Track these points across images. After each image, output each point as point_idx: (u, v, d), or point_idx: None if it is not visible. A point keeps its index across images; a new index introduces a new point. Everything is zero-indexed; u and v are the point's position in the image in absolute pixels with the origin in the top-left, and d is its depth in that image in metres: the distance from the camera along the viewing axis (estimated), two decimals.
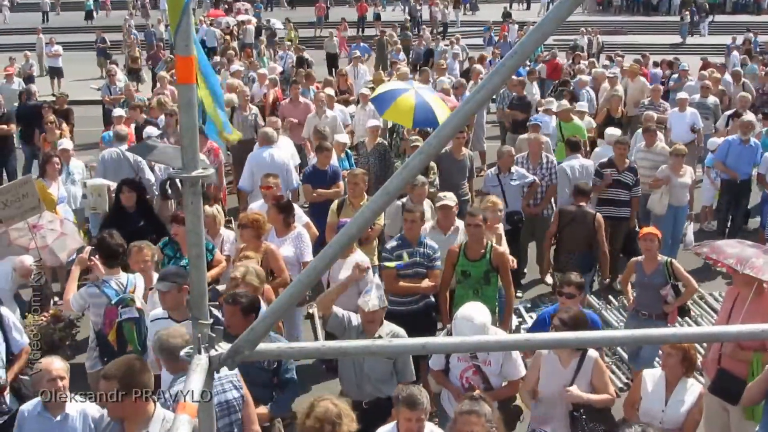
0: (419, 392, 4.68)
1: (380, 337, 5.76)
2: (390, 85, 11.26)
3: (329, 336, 7.20)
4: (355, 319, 5.99)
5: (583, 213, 8.73)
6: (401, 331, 5.93)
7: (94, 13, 39.64)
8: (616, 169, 9.81)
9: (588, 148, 12.35)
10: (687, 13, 36.52)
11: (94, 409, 4.89)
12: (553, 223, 9.03)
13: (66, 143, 10.86)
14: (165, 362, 4.97)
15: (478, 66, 17.69)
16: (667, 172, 10.17)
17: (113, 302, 6.24)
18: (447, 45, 26.33)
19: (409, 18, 36.91)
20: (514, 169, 9.61)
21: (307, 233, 7.91)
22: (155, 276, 6.45)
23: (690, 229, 10.31)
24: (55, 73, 24.66)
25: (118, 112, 12.90)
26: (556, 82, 18.18)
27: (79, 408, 4.88)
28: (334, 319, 6.01)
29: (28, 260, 7.55)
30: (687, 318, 8.38)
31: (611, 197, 9.81)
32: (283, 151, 10.59)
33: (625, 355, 8.14)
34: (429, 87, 10.78)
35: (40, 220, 8.33)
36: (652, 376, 5.52)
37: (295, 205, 9.08)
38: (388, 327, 5.88)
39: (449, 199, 7.85)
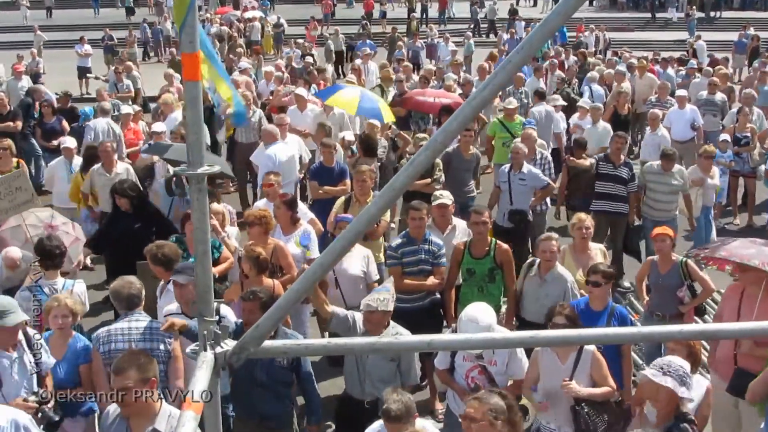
0: (402, 402, 4.63)
1: None
2: (349, 92, 11.54)
3: (332, 333, 7.23)
4: (360, 319, 5.97)
5: (582, 166, 10.27)
6: (407, 333, 5.83)
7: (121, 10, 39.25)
8: (612, 163, 9.79)
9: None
10: (693, 9, 36.45)
11: (24, 418, 4.71)
12: (564, 176, 10.49)
13: (69, 141, 10.85)
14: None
15: (485, 63, 17.66)
16: (700, 173, 10.15)
17: (44, 308, 6.09)
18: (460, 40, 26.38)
19: (416, 15, 36.82)
20: (526, 168, 9.41)
21: (313, 230, 7.91)
22: None
23: (713, 231, 10.23)
24: (84, 72, 23.96)
25: (126, 109, 12.93)
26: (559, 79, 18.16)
27: (8, 418, 4.61)
28: (335, 320, 6.00)
29: (15, 252, 7.29)
30: (706, 316, 8.30)
31: (608, 191, 9.76)
32: (290, 147, 10.63)
33: (633, 354, 8.07)
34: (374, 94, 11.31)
35: (53, 220, 8.29)
36: None
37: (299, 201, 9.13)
38: (393, 329, 5.83)
39: (445, 197, 7.80)
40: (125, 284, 5.76)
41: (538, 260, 6.96)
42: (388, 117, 10.73)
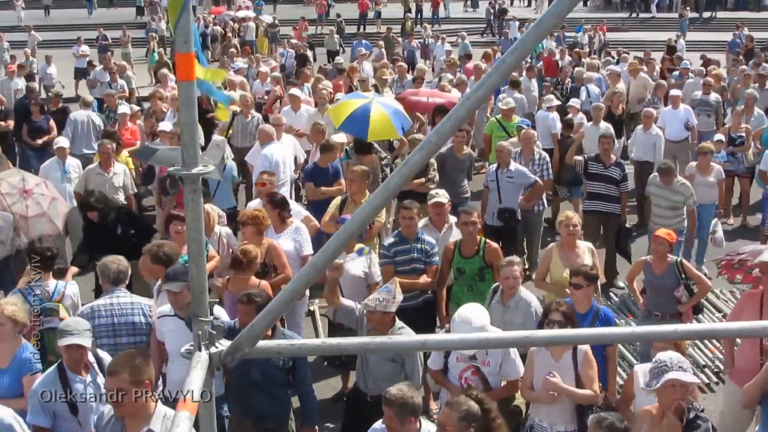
0: (402, 393, 4.63)
1: None
2: (349, 104, 10.72)
3: (331, 333, 7.24)
4: None
5: (572, 141, 11.39)
6: (411, 333, 5.83)
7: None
8: (602, 163, 9.79)
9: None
10: (687, 10, 36.52)
11: (9, 416, 4.76)
12: (556, 151, 11.68)
13: (63, 141, 10.83)
14: None
15: (481, 63, 17.68)
16: (693, 169, 10.17)
17: (35, 310, 6.12)
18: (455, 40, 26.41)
19: (411, 14, 36.72)
20: (514, 166, 9.49)
21: (305, 227, 7.92)
22: None
23: (719, 227, 10.19)
24: (81, 74, 23.11)
25: (122, 109, 12.89)
26: (553, 79, 18.16)
27: None
28: (342, 311, 6.07)
29: None
30: (700, 315, 8.27)
31: (600, 191, 9.77)
32: (286, 147, 10.64)
33: (627, 353, 8.09)
34: (379, 95, 11.11)
35: (26, 184, 8.25)
36: (645, 372, 5.45)
37: (292, 201, 9.12)
38: (399, 331, 5.79)
39: (441, 196, 7.81)
40: (114, 260, 6.09)
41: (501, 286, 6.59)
42: (378, 135, 10.48)
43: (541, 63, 19.75)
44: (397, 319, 5.83)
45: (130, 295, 6.05)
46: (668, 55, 22.01)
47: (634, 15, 39.53)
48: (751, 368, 6.05)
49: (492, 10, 37.22)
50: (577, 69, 17.30)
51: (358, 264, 7.10)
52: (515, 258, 6.71)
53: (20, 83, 17.19)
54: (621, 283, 9.85)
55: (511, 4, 41.22)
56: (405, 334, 5.73)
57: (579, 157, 10.43)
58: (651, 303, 7.46)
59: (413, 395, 4.70)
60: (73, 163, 10.54)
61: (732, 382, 6.38)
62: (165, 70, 16.65)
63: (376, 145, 10.87)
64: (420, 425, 4.76)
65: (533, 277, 9.52)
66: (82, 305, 6.29)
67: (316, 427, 6.00)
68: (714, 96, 14.49)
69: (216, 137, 11.10)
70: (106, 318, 5.83)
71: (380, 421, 4.85)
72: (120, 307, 5.89)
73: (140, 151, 9.80)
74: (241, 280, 6.60)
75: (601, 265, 8.63)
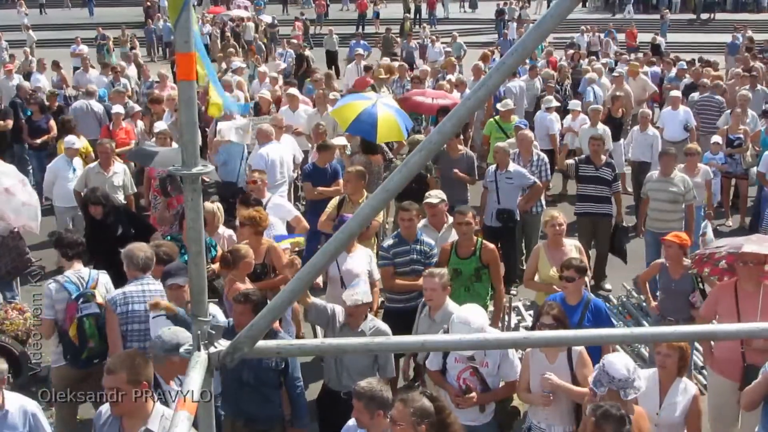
0: (371, 386, 4.71)
1: (362, 331, 5.86)
2: (354, 106, 10.65)
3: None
4: (340, 312, 6.05)
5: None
6: (385, 326, 6.03)
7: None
8: (593, 165, 9.77)
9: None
10: (666, 11, 36.54)
11: (33, 405, 4.97)
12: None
13: (75, 141, 10.79)
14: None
15: (479, 63, 17.69)
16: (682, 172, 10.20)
17: (73, 297, 6.22)
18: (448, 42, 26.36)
19: (410, 15, 36.67)
20: (513, 167, 9.49)
21: (279, 222, 7.95)
22: None
23: (709, 228, 10.16)
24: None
25: (117, 109, 12.87)
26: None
27: (18, 404, 4.90)
28: (315, 311, 6.12)
29: None
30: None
31: (590, 193, 9.74)
32: (284, 147, 10.65)
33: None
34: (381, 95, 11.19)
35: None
36: (645, 377, 5.43)
37: (284, 200, 9.15)
38: (371, 322, 5.96)
39: (433, 196, 7.83)
40: (141, 247, 6.28)
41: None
42: (386, 137, 10.54)
43: (542, 62, 19.73)
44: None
45: (159, 282, 6.18)
46: (654, 56, 22.08)
47: (612, 15, 39.52)
48: (731, 358, 6.12)
49: (505, 10, 37.22)
50: (544, 71, 17.17)
51: (361, 262, 7.13)
52: (435, 270, 6.40)
53: (14, 82, 17.15)
54: (608, 286, 9.85)
55: (513, 4, 41.20)
56: (378, 326, 5.98)
57: (570, 161, 10.43)
58: (665, 307, 7.40)
59: (382, 389, 4.76)
60: (79, 162, 10.54)
61: (714, 373, 6.41)
62: (164, 70, 16.63)
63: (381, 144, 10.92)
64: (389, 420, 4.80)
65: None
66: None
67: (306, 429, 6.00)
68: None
69: (240, 120, 11.20)
70: (139, 304, 5.99)
71: (352, 419, 4.89)
72: (151, 293, 6.04)
73: (135, 153, 9.78)
74: (232, 280, 6.65)
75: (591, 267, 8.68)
